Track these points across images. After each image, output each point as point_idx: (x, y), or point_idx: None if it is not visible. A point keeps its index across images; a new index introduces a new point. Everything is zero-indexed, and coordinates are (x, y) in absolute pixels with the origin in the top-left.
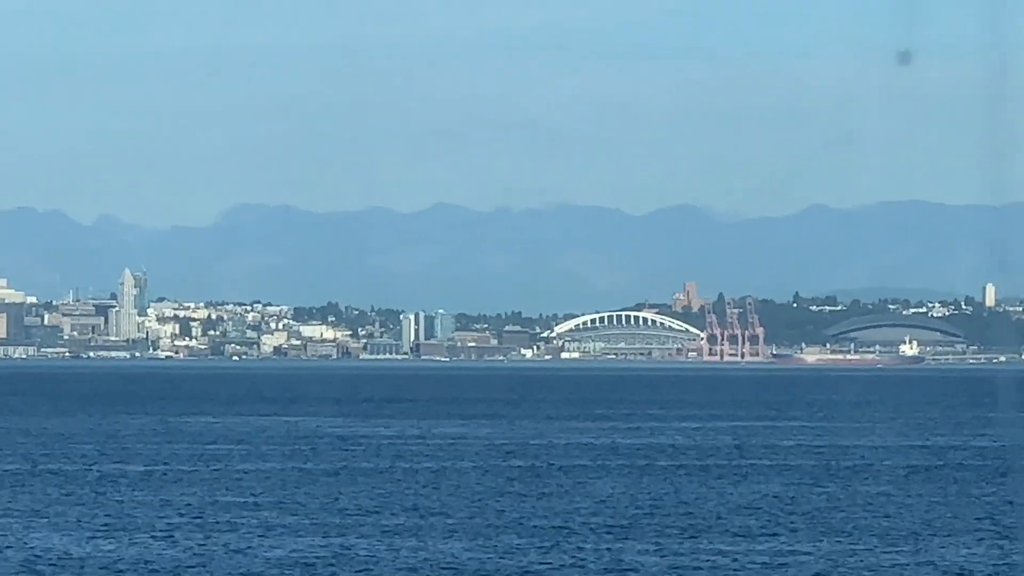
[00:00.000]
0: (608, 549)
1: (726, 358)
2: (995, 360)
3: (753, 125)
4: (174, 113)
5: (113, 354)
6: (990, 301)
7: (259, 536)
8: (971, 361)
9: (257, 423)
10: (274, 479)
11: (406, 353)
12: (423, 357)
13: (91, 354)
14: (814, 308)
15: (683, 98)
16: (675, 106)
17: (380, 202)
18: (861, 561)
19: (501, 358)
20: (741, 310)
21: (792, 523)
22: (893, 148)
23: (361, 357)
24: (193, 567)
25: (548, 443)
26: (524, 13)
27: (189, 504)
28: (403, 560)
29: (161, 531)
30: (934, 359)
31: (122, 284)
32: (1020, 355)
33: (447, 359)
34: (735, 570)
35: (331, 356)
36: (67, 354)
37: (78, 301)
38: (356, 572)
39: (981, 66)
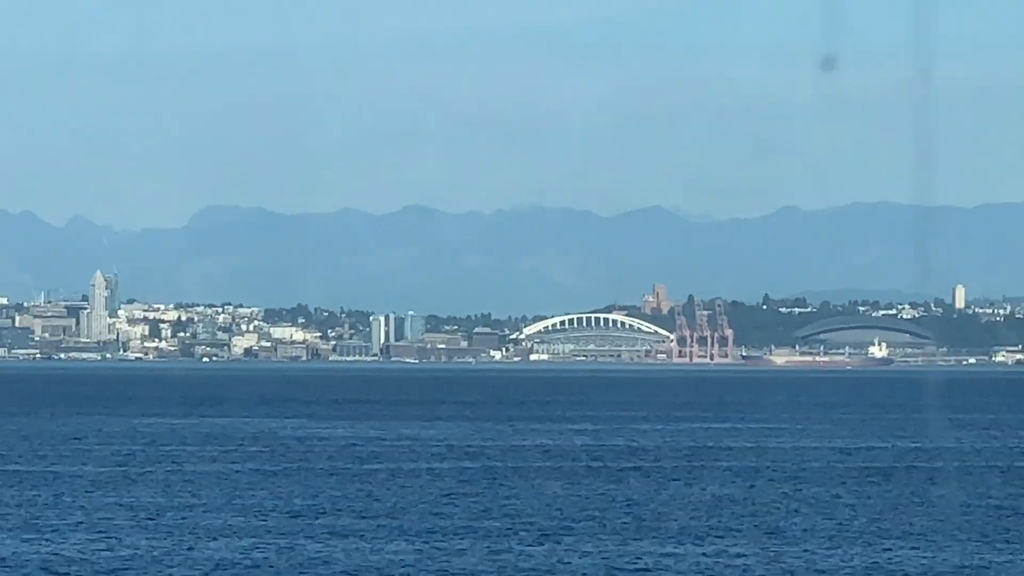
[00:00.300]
0: (551, 550)
1: (695, 360)
2: (965, 362)
3: (717, 127)
4: (146, 115)
5: (84, 356)
6: (960, 303)
7: (207, 537)
8: (941, 363)
9: (218, 424)
10: (229, 480)
11: (376, 355)
12: (393, 359)
13: (62, 356)
14: (784, 310)
15: (654, 99)
16: (646, 107)
17: (351, 204)
18: (780, 563)
19: (470, 360)
20: (711, 312)
21: (731, 524)
22: (817, 153)
23: (331, 359)
24: (134, 568)
25: (503, 445)
26: (494, 13)
27: (141, 505)
28: (346, 562)
29: (106, 532)
30: (904, 361)
31: (93, 286)
32: (990, 357)
33: (417, 361)
34: (678, 572)
35: (301, 358)
36: (38, 356)
37: (49, 303)
38: (300, 574)
39: (905, 71)
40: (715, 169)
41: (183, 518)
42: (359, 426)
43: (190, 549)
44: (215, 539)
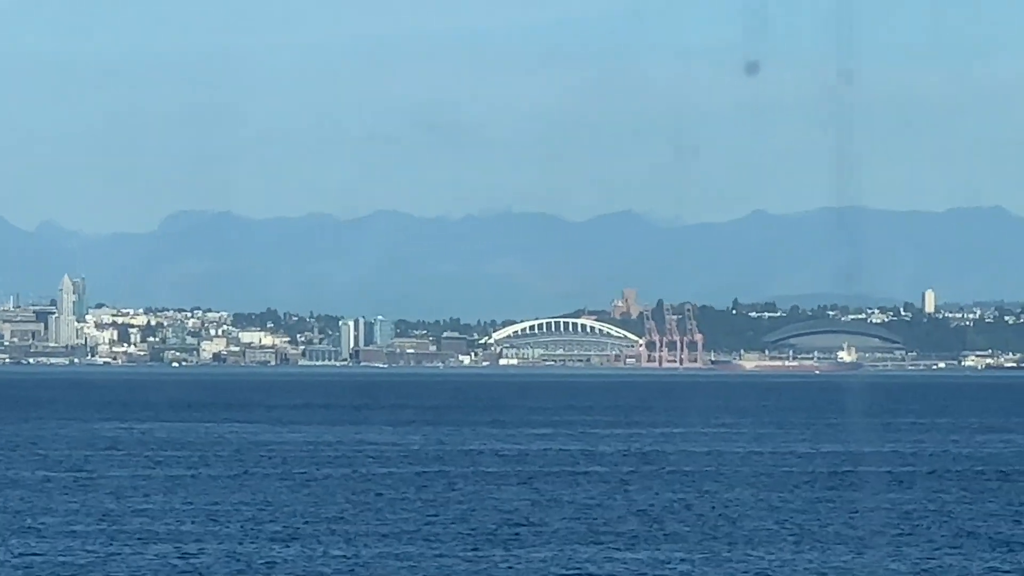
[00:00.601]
0: (488, 556)
1: (665, 365)
2: (934, 367)
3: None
4: (116, 119)
5: (52, 360)
6: (929, 307)
7: (142, 542)
8: (910, 367)
9: (175, 429)
10: (172, 485)
11: (345, 359)
12: (362, 364)
13: (31, 360)
14: (753, 315)
15: (620, 103)
16: (612, 111)
17: (320, 208)
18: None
19: (439, 364)
20: (680, 317)
21: (661, 529)
22: (736, 157)
23: (300, 363)
24: (79, 572)
25: (457, 450)
26: (458, 19)
27: (87, 509)
28: (281, 567)
29: (48, 536)
30: (872, 366)
31: (61, 290)
32: (959, 362)
33: (386, 365)
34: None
35: (270, 362)
36: (7, 360)
37: (18, 307)
38: None
39: (827, 75)
40: (684, 173)
41: (129, 523)
42: (311, 430)
43: (134, 554)
44: (157, 543)
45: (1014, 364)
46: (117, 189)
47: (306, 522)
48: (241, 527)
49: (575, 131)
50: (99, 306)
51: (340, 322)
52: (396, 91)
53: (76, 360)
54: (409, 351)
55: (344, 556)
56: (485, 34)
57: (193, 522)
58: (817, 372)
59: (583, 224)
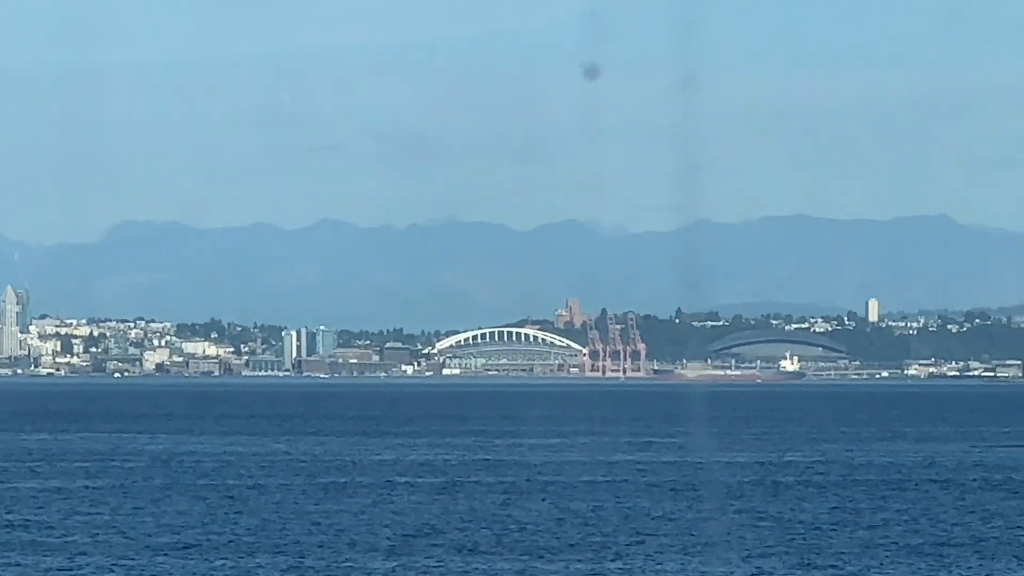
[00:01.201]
0: (375, 567)
1: (608, 374)
2: (877, 375)
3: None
4: (61, 128)
5: None
6: (873, 316)
7: (41, 554)
8: (854, 376)
9: (81, 440)
10: (59, 498)
11: (288, 370)
12: (305, 374)
13: None
14: (696, 323)
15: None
16: (560, 119)
17: (265, 218)
18: None
19: (382, 375)
20: (623, 326)
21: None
22: (580, 164)
23: (243, 374)
24: None
25: (364, 460)
26: (404, 29)
27: None
28: None
29: None
30: (815, 375)
31: (4, 301)
32: (902, 370)
33: (328, 376)
34: None
35: (213, 373)
36: None
37: None
38: None
39: (668, 81)
40: (630, 182)
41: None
42: (227, 441)
43: (34, 565)
44: (51, 555)
45: (956, 373)
46: (62, 199)
47: (212, 534)
48: (131, 538)
49: (519, 140)
50: (43, 317)
51: (283, 332)
52: (340, 101)
53: (20, 371)
54: (352, 361)
55: (241, 567)
56: (427, 45)
57: (83, 534)
58: (759, 381)
59: (528, 233)
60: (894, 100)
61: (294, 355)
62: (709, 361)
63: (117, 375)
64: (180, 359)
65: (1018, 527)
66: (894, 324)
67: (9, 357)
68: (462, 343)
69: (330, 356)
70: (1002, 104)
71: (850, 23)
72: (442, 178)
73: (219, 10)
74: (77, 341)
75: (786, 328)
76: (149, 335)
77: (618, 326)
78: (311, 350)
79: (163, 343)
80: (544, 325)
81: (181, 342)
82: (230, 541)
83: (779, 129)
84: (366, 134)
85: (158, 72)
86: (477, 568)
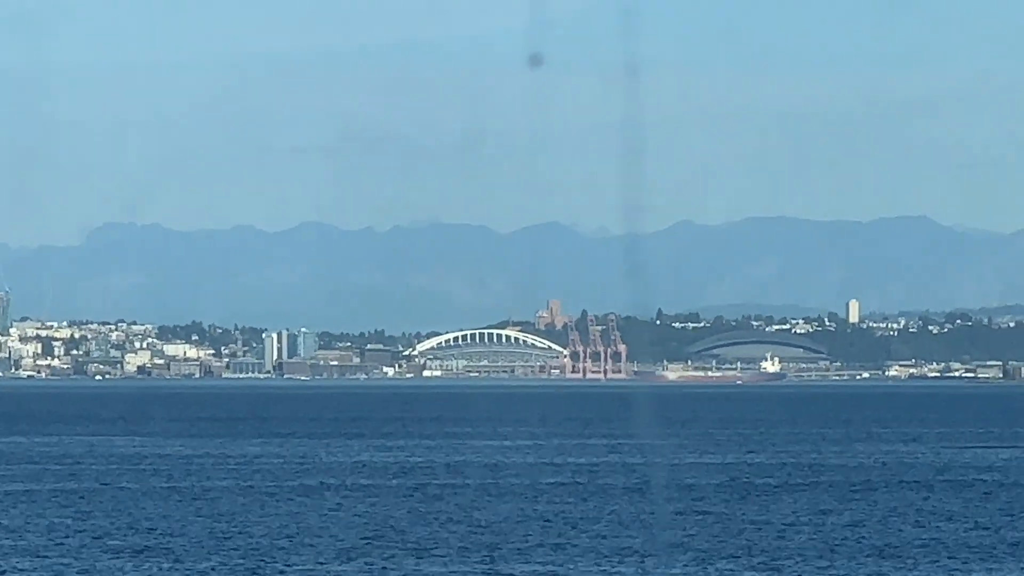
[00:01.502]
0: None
1: (589, 375)
2: (858, 376)
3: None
4: (42, 130)
5: None
6: (853, 317)
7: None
8: (834, 377)
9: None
10: (33, 501)
11: (269, 372)
12: (286, 376)
13: None
14: (677, 325)
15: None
16: (542, 121)
17: (246, 220)
18: None
19: (363, 376)
20: (604, 327)
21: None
22: (524, 155)
23: (224, 376)
24: None
25: (330, 462)
26: (388, 32)
27: None
28: None
29: None
30: (796, 376)
31: None
32: (883, 372)
33: (309, 378)
34: None
35: (194, 375)
36: None
37: None
38: None
39: (612, 73)
40: (610, 183)
41: None
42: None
43: None
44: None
45: (937, 374)
46: (43, 202)
47: (157, 537)
48: (90, 541)
49: (502, 141)
50: (24, 319)
51: (264, 334)
52: (322, 103)
53: (0, 373)
54: (333, 363)
55: (187, 570)
56: (411, 46)
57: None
58: (740, 382)
59: (511, 235)
60: (875, 101)
61: (275, 357)
62: (690, 362)
63: (98, 377)
64: (161, 361)
65: (983, 528)
66: (875, 325)
67: None
68: (443, 345)
69: (311, 358)
70: (984, 104)
71: (833, 23)
72: (424, 180)
73: (216, 9)
74: (58, 343)
75: (767, 329)
76: (130, 337)
77: (599, 327)
78: (292, 352)
79: (144, 345)
80: (525, 327)
81: (162, 344)
82: (190, 544)
83: (760, 130)
84: (348, 136)
85: (140, 73)
86: (435, 571)
